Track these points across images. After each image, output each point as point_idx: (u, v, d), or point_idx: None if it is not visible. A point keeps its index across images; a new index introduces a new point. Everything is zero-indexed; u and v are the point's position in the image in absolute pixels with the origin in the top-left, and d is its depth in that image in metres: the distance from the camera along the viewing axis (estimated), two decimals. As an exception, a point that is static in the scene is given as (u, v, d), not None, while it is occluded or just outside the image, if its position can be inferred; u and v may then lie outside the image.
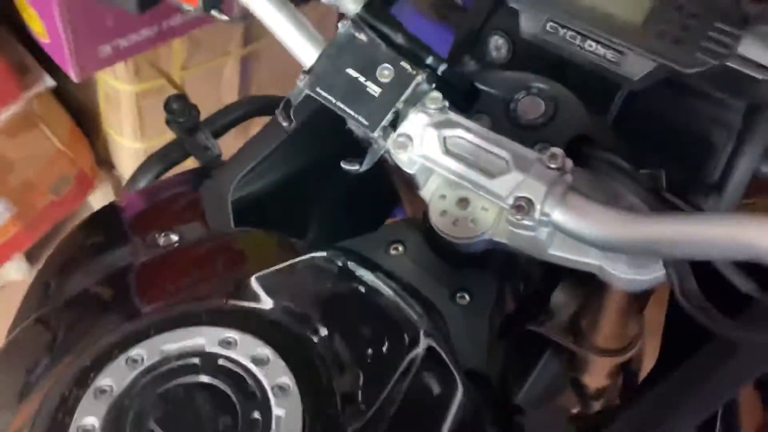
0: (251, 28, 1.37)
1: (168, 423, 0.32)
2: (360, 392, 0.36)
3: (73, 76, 1.11)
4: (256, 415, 0.33)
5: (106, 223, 0.50)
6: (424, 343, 0.41)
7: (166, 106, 0.60)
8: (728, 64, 0.43)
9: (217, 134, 0.66)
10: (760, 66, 0.43)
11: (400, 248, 0.51)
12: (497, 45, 0.56)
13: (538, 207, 0.41)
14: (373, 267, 0.47)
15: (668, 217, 0.37)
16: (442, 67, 0.48)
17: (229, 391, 0.33)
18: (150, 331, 0.35)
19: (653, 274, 0.43)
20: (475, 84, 0.50)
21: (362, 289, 0.45)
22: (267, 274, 0.42)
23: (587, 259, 0.45)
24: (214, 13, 0.48)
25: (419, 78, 0.43)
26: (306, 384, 0.34)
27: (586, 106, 0.49)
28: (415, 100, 0.43)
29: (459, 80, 0.49)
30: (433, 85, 0.44)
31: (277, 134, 0.55)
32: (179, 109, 0.60)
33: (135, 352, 0.35)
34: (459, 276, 0.49)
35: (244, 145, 0.54)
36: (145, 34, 1.15)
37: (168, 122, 0.61)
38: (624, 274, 0.44)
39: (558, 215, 0.41)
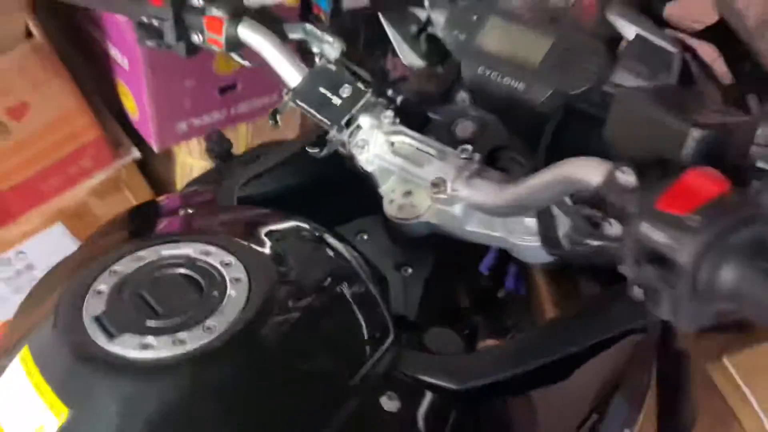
0: (307, 119, 1.60)
1: (154, 293, 0.46)
2: (293, 298, 0.49)
3: (155, 146, 1.35)
4: (215, 293, 0.47)
5: (143, 208, 0.67)
6: (356, 284, 0.54)
7: (207, 137, 0.79)
8: (605, 89, 0.57)
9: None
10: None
11: (365, 236, 0.66)
12: (462, 97, 0.73)
13: (449, 184, 0.55)
14: (341, 239, 0.61)
15: (523, 179, 0.49)
16: (399, 98, 0.65)
17: (199, 278, 0.48)
18: (155, 243, 0.51)
19: None
20: (427, 113, 0.66)
21: (329, 249, 0.59)
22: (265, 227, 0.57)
23: (495, 233, 0.57)
24: (234, 56, 0.67)
25: (368, 94, 0.59)
26: (255, 281, 0.48)
27: (521, 133, 0.64)
28: (366, 109, 0.59)
29: (413, 108, 0.65)
30: (380, 99, 0.60)
31: (282, 153, 0.72)
32: (215, 140, 0.78)
33: (141, 253, 0.50)
34: (406, 254, 0.63)
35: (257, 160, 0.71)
36: (216, 116, 1.39)
37: (206, 150, 0.79)
38: (522, 242, 0.56)
39: (463, 190, 0.55)
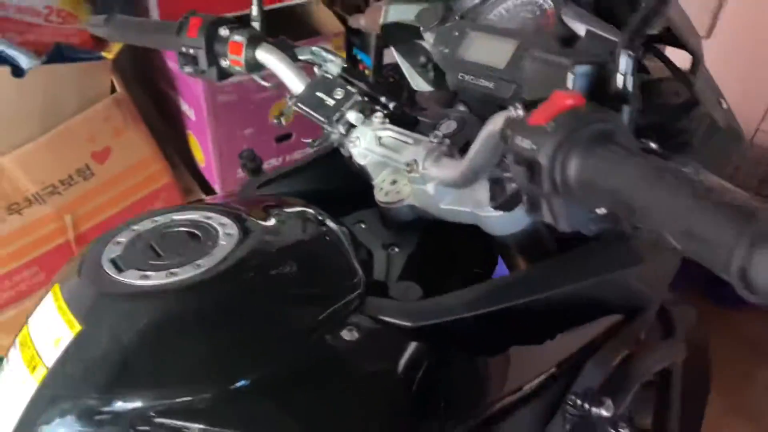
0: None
1: (161, 243, 0.56)
2: (276, 251, 0.58)
3: (218, 189, 1.50)
4: (209, 243, 0.56)
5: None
6: (337, 251, 0.62)
7: (240, 155, 0.91)
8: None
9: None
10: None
11: (363, 225, 0.74)
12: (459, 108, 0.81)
13: (420, 164, 0.63)
14: (338, 222, 0.70)
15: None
16: (392, 104, 0.74)
17: (198, 233, 0.57)
18: (170, 210, 0.61)
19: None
20: (417, 116, 0.75)
21: (322, 226, 0.67)
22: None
23: (466, 208, 0.64)
24: (254, 76, 0.79)
25: (356, 95, 0.69)
26: (245, 236, 0.57)
27: None
28: (353, 107, 0.69)
29: (402, 112, 0.74)
30: (366, 99, 0.69)
31: (299, 162, 0.82)
32: (247, 156, 0.90)
33: (157, 217, 0.60)
34: (394, 237, 0.70)
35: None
36: (273, 162, 1.54)
37: (241, 166, 0.91)
38: (488, 213, 0.62)
39: (431, 168, 0.62)
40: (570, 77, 0.44)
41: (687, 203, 0.29)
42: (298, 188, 0.82)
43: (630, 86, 0.42)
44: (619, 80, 0.42)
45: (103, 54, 1.26)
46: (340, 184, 0.78)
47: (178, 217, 0.60)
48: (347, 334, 0.53)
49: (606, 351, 0.64)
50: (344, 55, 1.48)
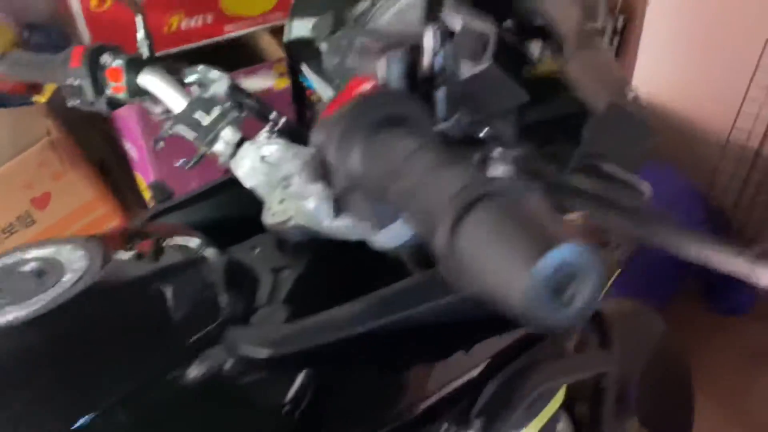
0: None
1: (4, 284, 0.52)
2: (122, 285, 0.53)
3: (168, 228, 1.47)
4: (53, 279, 0.51)
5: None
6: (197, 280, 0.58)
7: (149, 185, 0.87)
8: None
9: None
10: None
11: (257, 250, 0.69)
12: None
13: (296, 177, 0.59)
14: (223, 252, 0.65)
15: None
16: (282, 120, 0.70)
17: (46, 269, 0.53)
18: (23, 248, 0.57)
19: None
20: (306, 131, 0.71)
21: (191, 257, 0.62)
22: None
23: (347, 223, 0.59)
24: (143, 103, 0.75)
25: (234, 112, 0.65)
26: (92, 272, 0.52)
27: None
28: (229, 124, 0.65)
29: (294, 128, 0.70)
30: (245, 113, 0.66)
31: (196, 191, 0.78)
32: (156, 187, 0.86)
33: (8, 255, 0.56)
34: (286, 260, 0.65)
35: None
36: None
37: (152, 197, 0.87)
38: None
39: (308, 182, 0.58)
40: (382, 63, 0.40)
41: (418, 181, 0.25)
42: (195, 218, 0.78)
43: (438, 65, 0.37)
44: (427, 59, 0.38)
45: (34, 99, 1.24)
46: (243, 210, 0.73)
47: (29, 255, 0.56)
48: (194, 370, 0.48)
49: (513, 367, 0.58)
50: (288, 81, 1.45)
